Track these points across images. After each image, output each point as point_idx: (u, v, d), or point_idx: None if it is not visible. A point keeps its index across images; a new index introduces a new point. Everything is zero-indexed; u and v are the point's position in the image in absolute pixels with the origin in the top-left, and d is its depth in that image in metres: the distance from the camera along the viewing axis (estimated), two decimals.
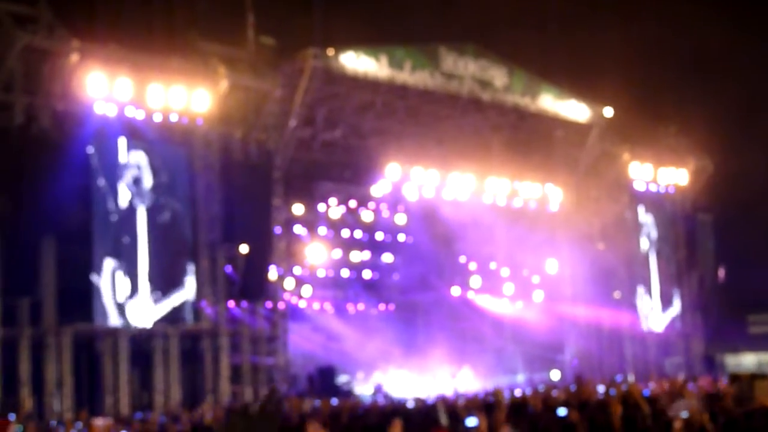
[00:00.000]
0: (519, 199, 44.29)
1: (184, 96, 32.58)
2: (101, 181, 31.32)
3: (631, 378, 38.14)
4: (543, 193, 44.84)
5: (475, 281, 44.84)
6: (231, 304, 34.87)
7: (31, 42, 29.72)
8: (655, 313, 47.68)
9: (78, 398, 30.47)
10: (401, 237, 43.74)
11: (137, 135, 32.00)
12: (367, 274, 42.60)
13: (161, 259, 32.36)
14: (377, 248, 43.00)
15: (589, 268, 44.43)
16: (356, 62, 36.65)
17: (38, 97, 30.14)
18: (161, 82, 32.05)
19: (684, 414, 16.06)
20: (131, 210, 31.94)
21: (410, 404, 24.11)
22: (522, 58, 42.54)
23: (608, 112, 44.82)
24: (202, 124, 33.43)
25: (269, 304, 35.87)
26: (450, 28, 43.18)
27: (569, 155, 45.45)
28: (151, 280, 31.98)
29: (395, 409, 21.85)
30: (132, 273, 31.60)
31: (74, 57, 30.32)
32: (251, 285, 34.86)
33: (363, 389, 36.95)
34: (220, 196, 34.04)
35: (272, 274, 35.47)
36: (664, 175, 48.12)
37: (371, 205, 42.09)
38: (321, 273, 40.85)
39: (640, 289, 47.07)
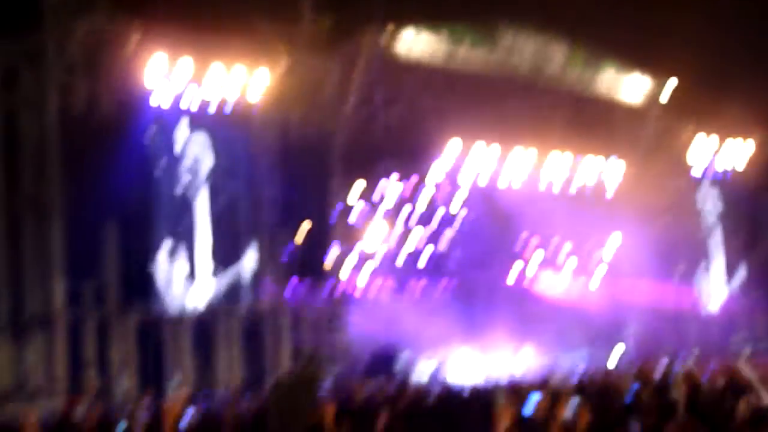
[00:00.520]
0: (579, 177, 43.85)
1: (244, 77, 32.64)
2: (162, 165, 31.60)
3: (693, 356, 37.71)
4: (605, 168, 44.35)
5: (536, 258, 44.55)
6: (291, 284, 35.07)
7: (92, 27, 30.00)
8: (719, 290, 47.05)
9: (142, 379, 30.93)
10: (461, 215, 43.51)
11: (197, 118, 32.20)
12: (426, 254, 42.47)
13: (221, 242, 32.60)
14: (437, 227, 42.82)
15: (651, 245, 43.87)
16: (416, 39, 36.43)
17: (99, 81, 30.41)
18: (222, 62, 32.09)
19: None
20: (192, 193, 32.19)
21: (470, 387, 24.07)
22: (582, 32, 41.99)
23: (672, 84, 44.09)
24: (261, 106, 33.50)
25: (329, 285, 36.01)
26: (508, 4, 42.67)
27: (631, 130, 44.90)
28: (211, 262, 32.24)
29: (457, 393, 21.84)
30: (193, 256, 31.90)
31: (135, 39, 30.51)
32: (311, 265, 35.03)
33: (423, 370, 36.91)
34: (279, 177, 34.15)
35: (332, 254, 35.57)
36: (728, 149, 47.30)
37: (431, 183, 41.93)
38: (380, 253, 40.80)
39: (703, 266, 46.47)
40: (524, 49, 39.63)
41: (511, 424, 10.00)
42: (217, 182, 32.79)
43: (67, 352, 29.61)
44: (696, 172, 46.49)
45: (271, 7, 35.05)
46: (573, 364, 37.20)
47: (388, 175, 40.85)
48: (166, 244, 31.33)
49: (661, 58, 43.27)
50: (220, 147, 32.90)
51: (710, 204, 47.62)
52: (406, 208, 41.79)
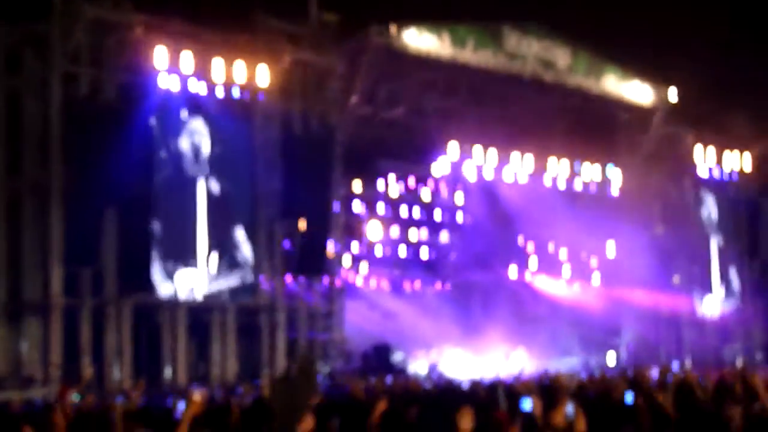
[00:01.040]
0: (579, 180, 43.91)
1: (247, 71, 32.67)
2: (163, 153, 31.58)
3: (688, 364, 37.78)
4: (604, 175, 44.42)
5: (533, 262, 44.59)
6: (288, 279, 35.07)
7: (98, 15, 30.06)
8: (715, 298, 47.08)
9: (137, 368, 30.93)
10: (460, 216, 43.55)
11: (199, 108, 32.19)
12: (424, 252, 42.49)
13: (217, 231, 32.50)
14: (435, 227, 42.86)
15: (649, 251, 43.89)
16: (419, 40, 36.47)
17: (103, 69, 30.50)
18: (224, 57, 32.19)
19: None
20: (190, 181, 32.12)
21: (467, 385, 24.02)
22: (585, 38, 42.07)
23: (673, 93, 44.17)
24: (264, 100, 33.50)
25: (326, 280, 36.03)
26: (513, 6, 42.70)
27: (632, 137, 44.95)
28: (208, 251, 32.19)
29: (452, 391, 21.79)
30: (190, 244, 31.84)
31: (139, 30, 30.59)
32: (309, 261, 34.99)
33: (418, 368, 36.96)
34: (279, 171, 34.11)
35: (330, 250, 35.57)
36: (728, 159, 47.34)
37: (430, 183, 41.99)
38: (378, 250, 40.83)
39: (700, 275, 46.48)
40: (527, 53, 39.62)
41: (472, 429, 9.95)
42: (214, 171, 32.70)
43: (62, 339, 29.59)
44: (695, 180, 46.50)
45: (274, 5, 35.14)
46: (566, 368, 37.22)
47: (388, 173, 40.89)
48: (164, 232, 31.26)
49: (663, 68, 43.40)
50: (220, 137, 32.85)
51: (708, 213, 47.61)
52: (406, 207, 41.83)
